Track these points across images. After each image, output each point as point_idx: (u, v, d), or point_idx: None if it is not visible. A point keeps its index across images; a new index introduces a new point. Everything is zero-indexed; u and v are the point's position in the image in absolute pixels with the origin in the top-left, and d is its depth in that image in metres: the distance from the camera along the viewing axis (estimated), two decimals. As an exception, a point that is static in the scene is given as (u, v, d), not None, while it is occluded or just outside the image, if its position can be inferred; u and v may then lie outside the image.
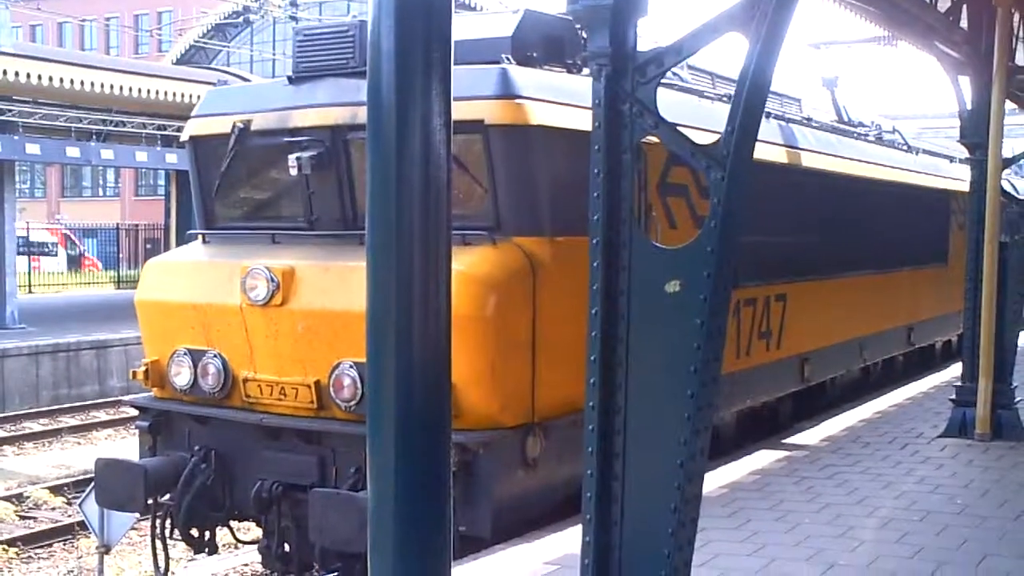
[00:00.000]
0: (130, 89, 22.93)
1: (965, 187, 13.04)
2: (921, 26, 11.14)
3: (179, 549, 10.18)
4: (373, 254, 3.51)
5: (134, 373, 9.40)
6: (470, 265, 7.71)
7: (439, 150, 3.48)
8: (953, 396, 11.81)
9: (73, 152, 24.52)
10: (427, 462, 3.51)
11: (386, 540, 3.51)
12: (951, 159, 19.80)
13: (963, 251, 12.54)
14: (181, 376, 8.97)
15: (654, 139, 5.09)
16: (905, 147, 17.44)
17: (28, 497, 14.21)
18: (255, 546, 9.62)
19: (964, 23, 11.80)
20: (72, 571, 11.48)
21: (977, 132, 11.71)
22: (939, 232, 18.12)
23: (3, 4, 22.06)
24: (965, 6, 11.54)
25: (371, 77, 3.50)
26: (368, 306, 3.55)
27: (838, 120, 15.69)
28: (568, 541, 7.37)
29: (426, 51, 3.45)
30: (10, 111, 22.62)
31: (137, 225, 47.93)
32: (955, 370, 14.54)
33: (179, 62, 47.39)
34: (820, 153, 12.96)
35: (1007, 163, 12.25)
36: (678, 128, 5.04)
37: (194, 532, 9.06)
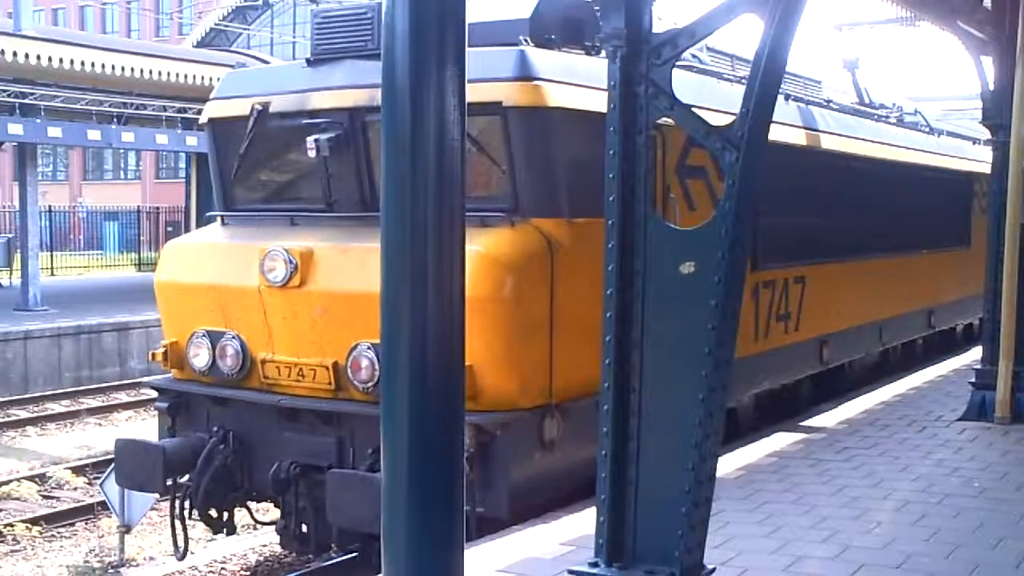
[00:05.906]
0: (151, 72, 22.99)
1: (988, 169, 12.94)
2: (944, 6, 11.05)
3: (198, 529, 10.24)
4: (387, 235, 3.53)
5: (153, 355, 9.46)
6: (488, 246, 7.72)
7: (453, 132, 3.48)
8: (973, 379, 11.76)
9: (94, 135, 24.59)
10: (440, 443, 3.53)
11: (399, 520, 3.54)
12: (974, 141, 19.63)
13: (986, 233, 12.45)
14: (200, 357, 9.01)
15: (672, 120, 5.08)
16: (927, 129, 17.32)
17: (51, 477, 14.34)
18: (273, 526, 9.69)
19: (987, 2, 11.69)
20: (93, 550, 11.58)
21: (1000, 113, 11.60)
22: (961, 214, 17.99)
23: (25, -13, 22.13)
24: (988, -15, 11.45)
25: (385, 59, 3.50)
26: (382, 287, 3.56)
27: (859, 102, 15.59)
28: (584, 522, 7.38)
29: (440, 33, 3.46)
30: (32, 94, 22.71)
31: (158, 208, 48.04)
32: (975, 353, 14.46)
33: (199, 45, 47.45)
34: (840, 135, 12.89)
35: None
36: (694, 110, 5.03)
37: (213, 512, 9.11)
